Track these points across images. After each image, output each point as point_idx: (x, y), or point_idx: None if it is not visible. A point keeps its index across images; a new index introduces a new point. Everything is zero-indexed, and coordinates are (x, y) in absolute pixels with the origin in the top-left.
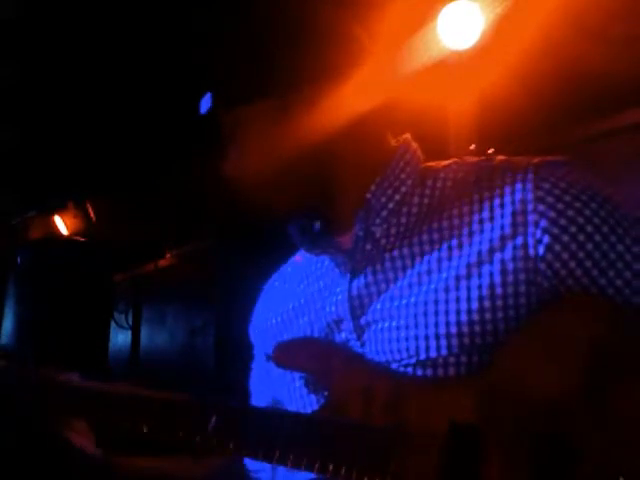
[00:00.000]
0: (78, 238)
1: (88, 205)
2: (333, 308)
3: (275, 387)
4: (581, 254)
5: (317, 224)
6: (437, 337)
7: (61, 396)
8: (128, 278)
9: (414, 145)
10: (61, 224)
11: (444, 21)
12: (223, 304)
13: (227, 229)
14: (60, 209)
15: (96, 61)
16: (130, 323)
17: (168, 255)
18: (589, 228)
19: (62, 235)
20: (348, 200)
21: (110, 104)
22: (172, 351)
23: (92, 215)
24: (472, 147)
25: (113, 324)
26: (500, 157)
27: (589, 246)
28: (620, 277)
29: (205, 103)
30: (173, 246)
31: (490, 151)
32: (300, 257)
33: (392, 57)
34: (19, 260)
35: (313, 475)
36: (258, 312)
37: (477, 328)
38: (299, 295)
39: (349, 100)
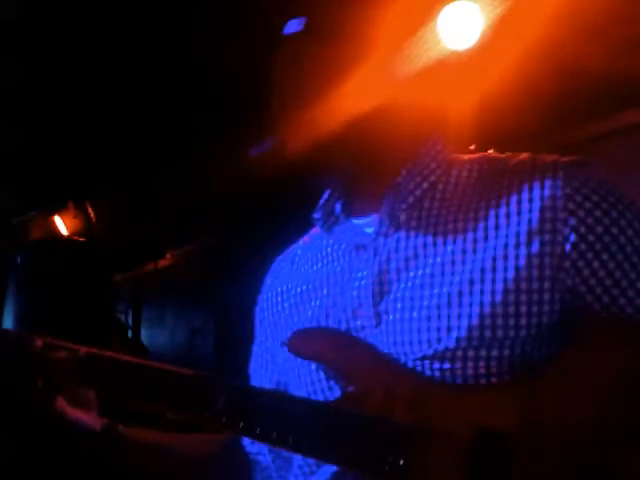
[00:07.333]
0: (78, 238)
1: (88, 205)
2: (355, 292)
3: (281, 370)
4: (605, 255)
5: (339, 204)
6: (458, 328)
7: (65, 366)
8: (128, 278)
9: (446, 138)
10: (61, 224)
11: (444, 21)
12: (223, 304)
13: (227, 228)
14: (60, 209)
15: (96, 61)
16: (130, 323)
17: (168, 255)
18: (614, 229)
19: (62, 235)
20: (378, 179)
21: (110, 104)
22: (172, 351)
23: (92, 215)
24: (472, 147)
25: None
26: (526, 154)
27: (613, 247)
28: None
29: (292, 25)
30: (173, 246)
31: (490, 151)
32: (309, 238)
33: (392, 57)
34: (19, 260)
35: (326, 464)
36: (265, 294)
37: (500, 321)
38: (310, 278)
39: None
